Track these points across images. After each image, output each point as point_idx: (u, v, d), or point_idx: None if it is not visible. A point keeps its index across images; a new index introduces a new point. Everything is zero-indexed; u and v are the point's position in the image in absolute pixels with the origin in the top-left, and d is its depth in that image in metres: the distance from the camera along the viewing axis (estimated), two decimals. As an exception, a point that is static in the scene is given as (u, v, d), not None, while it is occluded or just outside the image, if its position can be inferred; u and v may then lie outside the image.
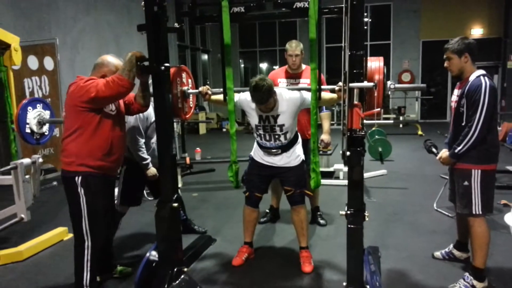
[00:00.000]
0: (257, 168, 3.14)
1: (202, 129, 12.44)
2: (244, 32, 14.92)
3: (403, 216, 4.27)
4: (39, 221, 4.38)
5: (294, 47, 3.57)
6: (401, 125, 11.89)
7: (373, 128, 8.36)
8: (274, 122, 2.90)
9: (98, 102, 2.47)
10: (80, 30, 8.29)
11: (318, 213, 4.08)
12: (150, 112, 3.15)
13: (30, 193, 3.17)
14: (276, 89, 2.86)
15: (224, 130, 12.37)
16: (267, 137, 2.98)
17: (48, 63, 6.54)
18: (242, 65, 15.77)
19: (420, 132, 10.27)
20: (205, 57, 14.91)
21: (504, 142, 7.56)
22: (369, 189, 5.35)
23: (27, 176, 3.12)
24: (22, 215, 3.34)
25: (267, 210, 4.20)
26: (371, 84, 2.20)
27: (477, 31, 12.69)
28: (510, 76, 11.92)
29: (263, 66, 15.97)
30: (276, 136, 2.96)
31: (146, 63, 2.60)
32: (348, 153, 2.17)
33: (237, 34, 14.84)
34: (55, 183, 5.96)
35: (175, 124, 6.72)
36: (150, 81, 2.68)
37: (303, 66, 3.68)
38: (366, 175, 5.89)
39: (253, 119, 2.98)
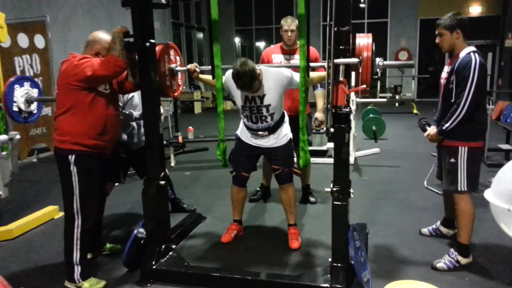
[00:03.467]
0: (244, 147, 3.12)
1: (198, 108, 12.37)
2: (240, 10, 14.72)
3: (393, 193, 4.29)
4: (31, 200, 4.40)
5: (289, 22, 3.53)
6: (397, 104, 11.87)
7: (368, 107, 8.35)
8: (260, 103, 2.85)
9: (93, 82, 2.46)
10: (71, 8, 8.15)
11: (309, 191, 4.09)
12: None
13: (7, 170, 3.14)
14: (261, 67, 2.81)
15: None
16: (254, 119, 2.94)
17: (39, 41, 6.44)
18: (239, 44, 15.60)
19: (415, 111, 10.25)
20: (200, 35, 14.73)
21: (498, 120, 7.54)
22: (361, 167, 5.37)
23: (4, 153, 3.08)
24: (0, 192, 3.32)
25: (258, 188, 4.21)
26: (356, 60, 2.18)
27: (475, 9, 12.53)
28: (508, 55, 11.82)
29: (260, 44, 15.81)
30: (263, 118, 2.92)
31: (132, 40, 2.57)
32: (332, 129, 2.16)
33: (233, 12, 14.65)
34: (34, 160, 5.99)
35: (168, 103, 6.70)
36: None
37: (298, 43, 3.61)
38: (359, 153, 5.92)
39: (238, 100, 2.93)
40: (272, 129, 2.99)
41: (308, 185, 4.09)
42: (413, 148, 6.39)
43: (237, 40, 15.39)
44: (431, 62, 13.65)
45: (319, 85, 3.71)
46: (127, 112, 3.21)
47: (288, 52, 3.63)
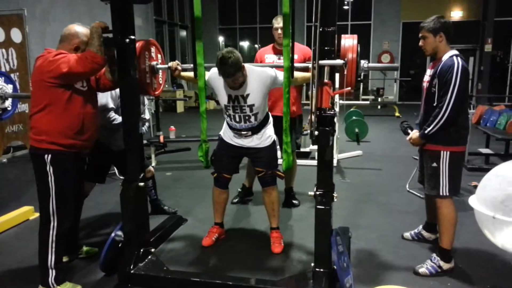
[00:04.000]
0: (226, 148, 3.06)
1: (180, 107, 12.23)
2: (224, 8, 14.64)
3: (376, 196, 4.29)
4: (5, 200, 4.25)
5: (279, 20, 3.47)
6: (379, 106, 11.96)
7: (351, 109, 8.37)
8: (244, 102, 2.81)
9: (69, 79, 2.36)
10: (50, 1, 7.94)
11: (292, 193, 4.05)
12: None
13: None
14: (246, 65, 2.76)
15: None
16: (237, 118, 2.89)
17: (16, 35, 6.24)
18: (223, 43, 15.50)
19: (397, 114, 10.33)
20: (183, 33, 14.58)
21: (478, 124, 7.66)
22: (344, 169, 5.36)
23: None
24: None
25: (239, 189, 4.16)
26: (341, 61, 2.14)
27: (456, 14, 12.74)
28: (487, 60, 12.05)
29: (244, 44, 15.74)
30: (246, 117, 2.87)
31: (111, 35, 2.48)
32: (316, 132, 2.12)
33: (217, 10, 14.56)
34: (4, 160, 5.81)
35: (149, 101, 6.57)
36: None
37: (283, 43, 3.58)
38: (341, 155, 5.92)
39: (222, 99, 2.87)
40: (256, 129, 2.95)
41: (291, 188, 4.05)
42: (395, 151, 6.42)
43: (221, 39, 15.29)
44: (413, 65, 13.80)
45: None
46: (111, 118, 3.10)
47: (281, 52, 3.54)
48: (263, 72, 2.79)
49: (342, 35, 2.35)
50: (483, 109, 8.37)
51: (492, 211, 1.57)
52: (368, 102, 9.84)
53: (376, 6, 13.49)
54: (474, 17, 12.66)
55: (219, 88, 2.86)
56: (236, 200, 4.07)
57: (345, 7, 13.58)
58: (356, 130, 7.01)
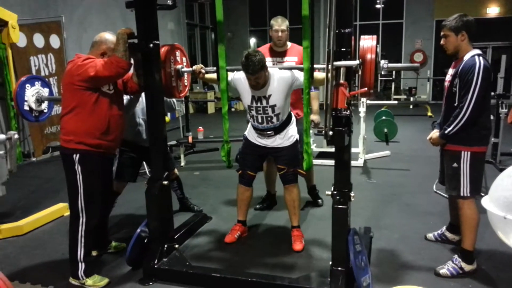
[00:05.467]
0: (251, 147, 3.15)
1: (211, 108, 12.44)
2: (254, 10, 14.74)
3: (401, 197, 4.25)
4: (43, 197, 4.50)
5: (280, 22, 3.44)
6: (411, 106, 11.72)
7: (381, 109, 8.27)
8: (266, 103, 2.87)
9: (96, 82, 2.49)
10: (86, 8, 8.27)
11: (315, 192, 4.07)
12: None
13: (5, 169, 3.19)
14: (269, 69, 2.83)
15: (233, 109, 12.35)
16: (259, 119, 2.96)
17: (54, 41, 6.58)
18: (254, 44, 15.59)
19: (429, 113, 10.11)
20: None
21: (513, 124, 7.38)
22: (371, 170, 5.33)
23: (1, 152, 3.14)
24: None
25: (263, 197, 4.07)
26: (356, 62, 2.16)
27: (493, 10, 12.29)
28: (526, 57, 11.58)
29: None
30: (269, 118, 2.93)
31: (136, 41, 2.60)
32: (331, 133, 2.15)
33: (247, 12, 14.68)
34: (34, 159, 6.08)
35: (179, 103, 6.74)
36: None
37: (289, 44, 3.54)
38: (369, 156, 5.88)
39: (246, 100, 2.96)
40: (278, 129, 3.01)
41: (313, 186, 4.07)
42: (424, 151, 6.29)
43: (252, 40, 15.40)
44: (448, 64, 13.38)
45: (313, 86, 3.60)
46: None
47: (278, 54, 3.53)
48: (285, 73, 2.85)
49: (362, 36, 2.37)
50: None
51: (504, 212, 1.56)
52: (396, 102, 9.63)
53: (408, 5, 13.23)
54: (511, 14, 12.19)
55: (242, 90, 2.95)
56: (259, 206, 4.00)
57: (377, 6, 13.40)
58: (385, 130, 6.92)
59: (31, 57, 6.14)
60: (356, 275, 2.34)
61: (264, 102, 2.88)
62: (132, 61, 2.60)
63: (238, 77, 2.95)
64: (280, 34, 3.43)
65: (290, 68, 2.90)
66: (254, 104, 2.92)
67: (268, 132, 3.01)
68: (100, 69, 2.43)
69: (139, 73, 2.75)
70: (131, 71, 2.73)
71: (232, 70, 2.94)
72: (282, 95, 2.86)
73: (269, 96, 2.85)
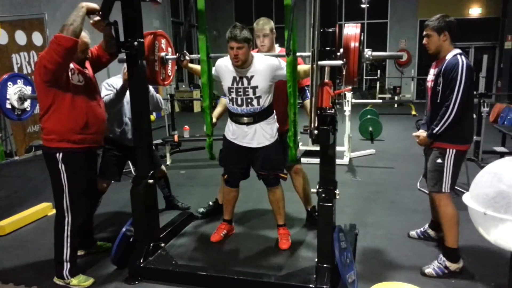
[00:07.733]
0: (231, 149, 3.04)
1: (197, 107, 12.37)
2: (240, 8, 14.74)
3: (385, 194, 4.30)
4: (26, 197, 4.43)
5: (261, 25, 3.08)
6: (396, 105, 11.86)
7: (366, 108, 8.36)
8: (248, 84, 2.81)
9: (52, 73, 2.36)
10: (70, 6, 8.09)
11: (314, 214, 3.45)
12: None
13: None
14: (254, 53, 2.84)
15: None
16: (239, 101, 2.86)
17: (37, 39, 6.48)
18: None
19: (414, 112, 10.24)
20: (200, 34, 14.70)
21: (495, 122, 7.55)
22: (356, 168, 5.38)
23: None
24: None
25: (210, 203, 3.82)
26: (340, 62, 2.18)
27: (475, 11, 12.51)
28: (507, 57, 11.81)
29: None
30: (249, 100, 2.84)
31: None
32: (316, 131, 2.17)
33: (233, 10, 14.66)
34: (17, 158, 6.00)
35: (165, 101, 6.70)
36: None
37: (278, 48, 3.22)
38: (354, 154, 5.93)
39: (226, 82, 2.88)
40: (258, 116, 2.89)
41: (314, 208, 3.46)
42: (408, 150, 6.38)
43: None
44: (431, 63, 13.60)
45: (308, 94, 3.22)
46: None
47: None
48: (270, 59, 2.83)
49: (346, 24, 2.33)
50: (501, 107, 8.22)
51: (484, 208, 1.60)
52: (381, 101, 9.74)
53: (392, 4, 13.37)
54: (493, 14, 12.41)
55: (223, 73, 2.90)
56: (201, 210, 3.76)
57: (362, 6, 13.51)
58: (370, 128, 7.01)
59: (13, 55, 6.04)
60: (341, 272, 2.37)
61: (245, 82, 2.81)
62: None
63: (219, 64, 2.93)
64: (262, 39, 3.09)
65: (276, 56, 2.90)
66: (235, 85, 2.84)
67: (247, 119, 2.90)
68: (45, 58, 2.32)
69: (111, 43, 2.65)
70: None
71: (216, 58, 2.92)
72: (266, 78, 2.79)
73: (252, 76, 2.79)
